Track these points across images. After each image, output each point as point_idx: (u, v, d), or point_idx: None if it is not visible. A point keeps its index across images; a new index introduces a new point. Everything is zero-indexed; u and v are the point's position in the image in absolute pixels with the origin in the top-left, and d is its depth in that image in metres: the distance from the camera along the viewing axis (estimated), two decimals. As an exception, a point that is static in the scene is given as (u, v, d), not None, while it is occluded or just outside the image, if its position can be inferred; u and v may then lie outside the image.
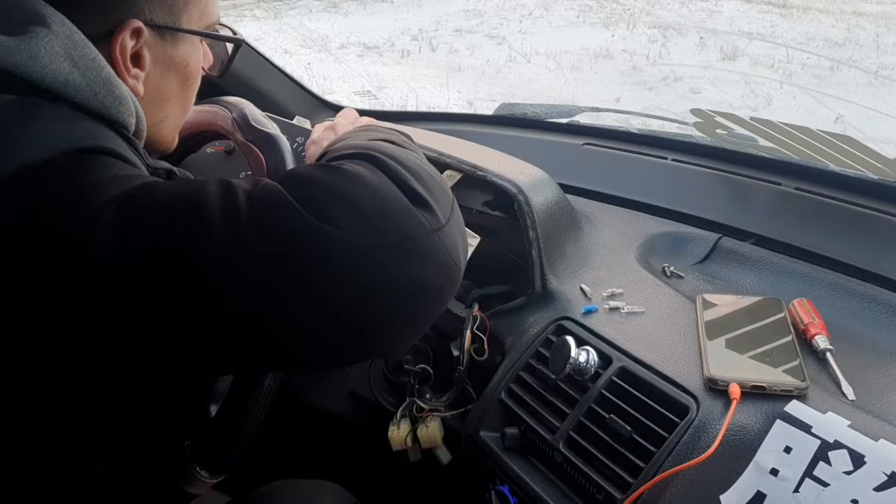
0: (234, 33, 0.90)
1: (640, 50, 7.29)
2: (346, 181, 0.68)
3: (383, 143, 0.81)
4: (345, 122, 1.02)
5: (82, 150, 0.66)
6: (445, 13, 9.15)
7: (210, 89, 1.25)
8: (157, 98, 0.82)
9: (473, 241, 1.15)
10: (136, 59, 0.77)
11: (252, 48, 1.62)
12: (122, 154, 0.70)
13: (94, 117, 0.72)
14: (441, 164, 1.24)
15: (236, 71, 1.58)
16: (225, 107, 1.01)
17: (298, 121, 1.19)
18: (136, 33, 0.76)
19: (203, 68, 0.88)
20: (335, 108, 1.78)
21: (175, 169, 0.87)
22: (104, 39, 0.74)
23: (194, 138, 1.09)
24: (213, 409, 0.98)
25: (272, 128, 0.97)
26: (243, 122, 0.97)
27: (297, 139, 1.12)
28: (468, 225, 1.20)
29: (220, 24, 0.88)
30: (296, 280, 0.63)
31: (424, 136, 1.35)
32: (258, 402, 0.90)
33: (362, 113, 1.77)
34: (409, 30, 8.55)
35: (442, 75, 6.68)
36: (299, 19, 8.86)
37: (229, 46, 0.93)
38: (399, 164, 0.73)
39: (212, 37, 0.86)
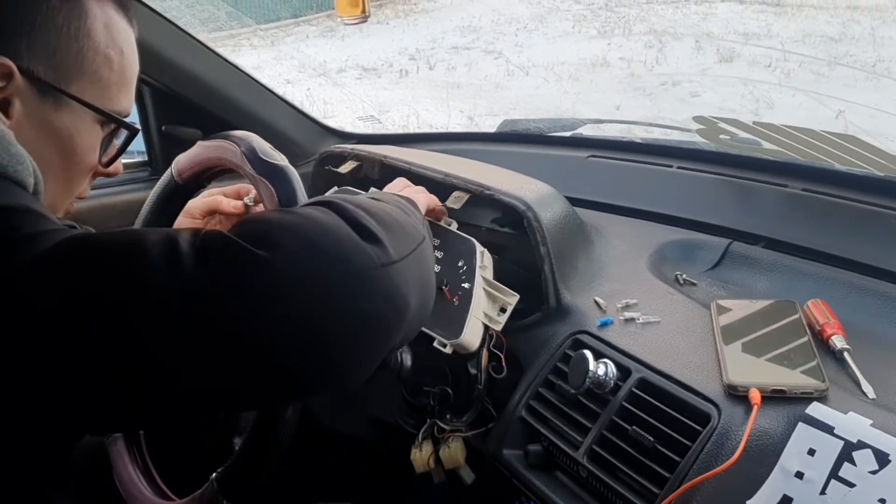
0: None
1: (636, 57, 7.32)
2: (294, 218, 0.68)
3: (358, 197, 0.81)
4: None
5: None
6: (441, 31, 9.20)
7: (214, 125, 1.27)
8: None
9: (513, 299, 1.15)
10: (5, 107, 0.72)
11: (253, 79, 1.64)
12: (38, 210, 0.67)
13: None
14: (448, 185, 1.25)
15: (240, 103, 1.60)
16: (233, 141, 1.01)
17: None
18: (6, 75, 0.70)
19: (101, 161, 0.84)
20: (339, 135, 1.79)
21: (76, 224, 0.85)
22: None
23: (204, 174, 1.10)
24: (237, 442, 0.99)
25: (281, 159, 0.97)
26: (252, 155, 0.97)
27: None
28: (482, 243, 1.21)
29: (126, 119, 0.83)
30: (244, 315, 0.61)
31: (430, 158, 1.36)
32: (282, 433, 0.90)
33: (366, 139, 1.78)
34: (406, 50, 8.61)
35: (441, 93, 6.72)
36: (297, 46, 8.92)
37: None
38: (356, 206, 0.73)
39: (101, 113, 0.79)
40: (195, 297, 0.60)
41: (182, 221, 1.09)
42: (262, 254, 0.62)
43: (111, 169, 0.86)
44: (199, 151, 1.06)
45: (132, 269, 0.60)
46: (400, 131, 4.97)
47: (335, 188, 1.39)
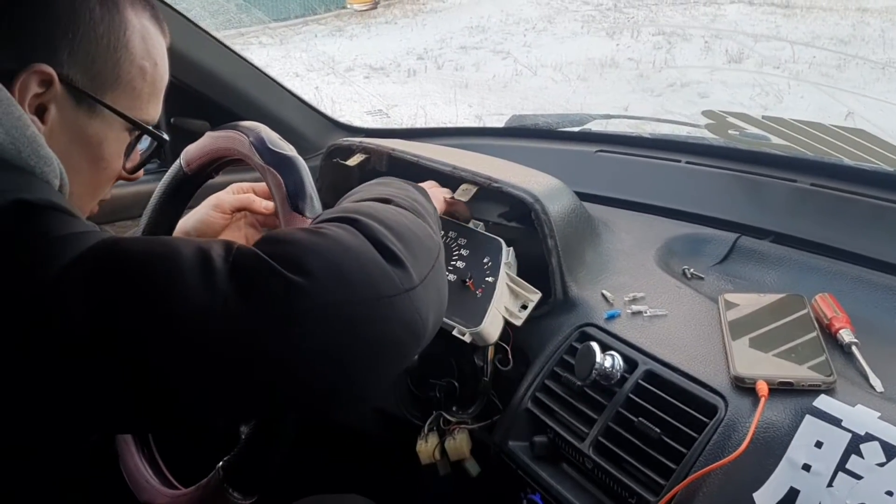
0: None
1: (645, 57, 7.32)
2: (323, 241, 0.69)
3: (375, 204, 0.82)
4: None
5: (24, 203, 0.64)
6: (449, 31, 9.20)
7: (223, 117, 1.27)
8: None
9: (535, 296, 1.16)
10: (41, 112, 0.73)
11: (263, 72, 1.64)
12: (66, 208, 0.67)
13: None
14: (456, 177, 1.25)
15: (249, 96, 1.60)
16: (242, 131, 1.01)
17: None
18: (46, 82, 0.71)
19: (124, 168, 0.85)
20: (347, 129, 1.80)
21: (95, 227, 0.83)
22: (8, 77, 0.70)
23: (212, 164, 1.10)
24: (244, 431, 0.99)
25: (289, 149, 0.98)
26: (260, 145, 0.97)
27: None
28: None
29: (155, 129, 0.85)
30: (271, 335, 0.62)
31: (438, 152, 1.36)
32: (288, 423, 0.90)
33: (374, 134, 1.78)
34: (414, 49, 8.61)
35: (449, 92, 6.72)
36: (305, 44, 8.94)
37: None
38: (381, 223, 0.74)
39: (133, 124, 0.80)
40: (227, 318, 0.61)
41: (210, 214, 1.10)
42: (296, 280, 0.63)
43: (134, 175, 0.89)
44: (208, 142, 1.06)
45: (164, 286, 0.61)
46: (408, 126, 4.97)
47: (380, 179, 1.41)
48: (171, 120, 1.57)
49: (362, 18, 10.04)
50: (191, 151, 1.09)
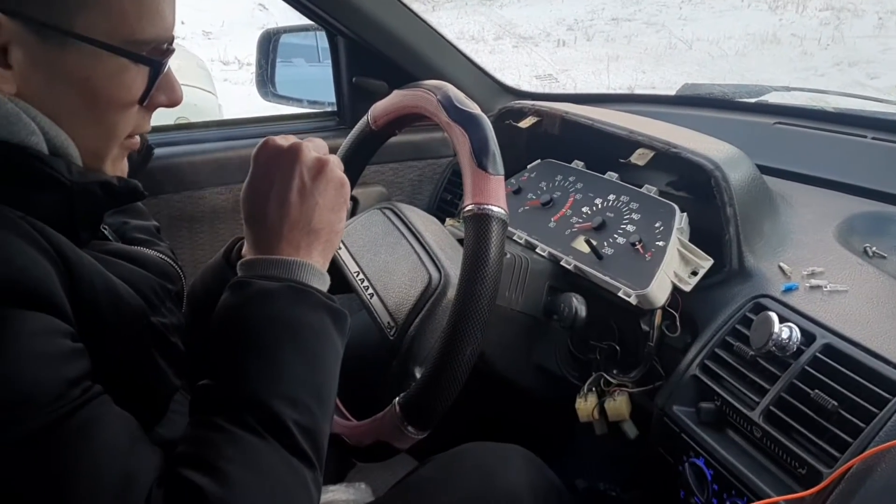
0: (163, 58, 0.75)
1: (810, 34, 6.93)
2: (256, 480, 0.65)
3: (305, 401, 0.71)
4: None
5: None
6: (601, 2, 9.03)
7: (400, 78, 1.32)
8: (46, 111, 0.69)
9: (707, 263, 1.16)
10: (1, 56, 0.66)
11: (439, 34, 1.68)
12: None
13: None
14: (632, 141, 1.26)
15: (425, 57, 1.65)
16: (429, 90, 1.06)
17: None
18: None
19: (146, 97, 0.75)
20: (516, 93, 1.82)
21: (112, 179, 0.76)
22: None
23: (398, 121, 1.16)
24: (418, 372, 1.05)
25: (474, 108, 1.02)
26: (448, 103, 1.02)
27: None
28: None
29: (165, 46, 0.74)
30: None
31: (612, 116, 1.36)
32: (461, 366, 0.94)
33: (542, 98, 1.80)
34: (565, 20, 8.51)
35: (598, 65, 6.62)
36: (456, 12, 9.00)
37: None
38: (306, 433, 0.70)
39: (107, 48, 0.69)
40: None
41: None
42: None
43: (159, 102, 0.78)
44: (397, 100, 1.12)
45: None
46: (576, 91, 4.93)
47: (538, 161, 1.44)
48: (353, 79, 1.64)
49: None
50: (379, 108, 1.15)
